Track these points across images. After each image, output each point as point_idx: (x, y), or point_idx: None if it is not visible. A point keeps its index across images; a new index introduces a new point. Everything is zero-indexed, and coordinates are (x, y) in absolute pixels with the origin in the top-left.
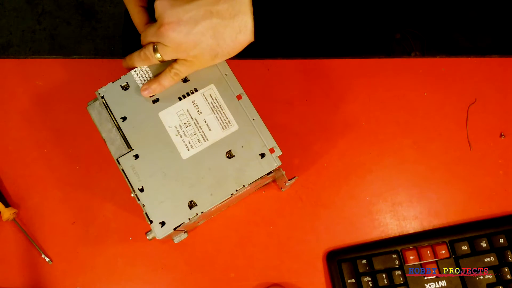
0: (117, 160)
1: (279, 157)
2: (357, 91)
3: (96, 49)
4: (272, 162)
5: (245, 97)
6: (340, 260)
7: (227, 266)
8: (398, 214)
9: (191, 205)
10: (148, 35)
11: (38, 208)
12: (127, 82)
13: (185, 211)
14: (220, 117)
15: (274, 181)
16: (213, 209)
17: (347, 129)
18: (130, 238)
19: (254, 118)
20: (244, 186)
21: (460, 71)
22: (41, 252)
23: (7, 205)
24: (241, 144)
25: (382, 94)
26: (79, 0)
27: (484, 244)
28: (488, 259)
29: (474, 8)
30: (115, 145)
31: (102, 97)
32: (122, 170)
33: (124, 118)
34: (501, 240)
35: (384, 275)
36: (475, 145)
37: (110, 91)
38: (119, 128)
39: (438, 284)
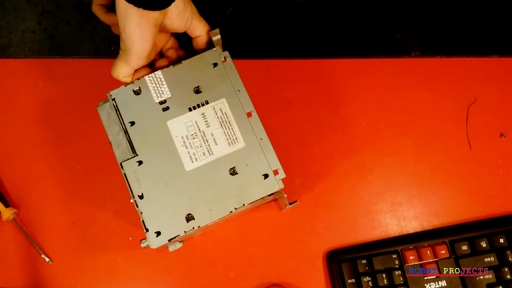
0: (120, 164)
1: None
2: (357, 91)
3: (96, 49)
4: (275, 184)
5: (255, 115)
6: (340, 260)
7: (227, 266)
8: (398, 214)
9: (189, 218)
10: None
11: (38, 208)
12: (139, 87)
13: (182, 223)
14: (227, 132)
15: (275, 200)
16: (210, 224)
17: (347, 129)
18: (130, 238)
19: (261, 138)
20: (244, 205)
21: (460, 71)
22: (41, 252)
23: (7, 205)
24: (245, 162)
25: (382, 94)
26: (79, 0)
27: (484, 244)
28: (488, 259)
29: (474, 8)
30: (120, 149)
31: (113, 99)
32: (124, 174)
33: (132, 123)
34: (501, 240)
35: (384, 275)
36: (475, 145)
37: (121, 94)
38: (126, 132)
39: (438, 284)
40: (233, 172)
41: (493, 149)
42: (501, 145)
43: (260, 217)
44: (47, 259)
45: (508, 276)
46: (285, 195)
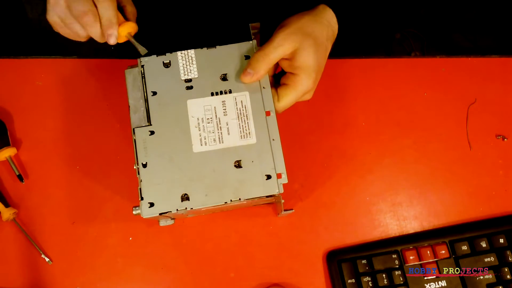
0: (133, 129)
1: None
2: (357, 91)
3: (96, 49)
4: (275, 187)
5: (273, 115)
6: (340, 260)
7: (227, 266)
8: (398, 214)
9: (184, 197)
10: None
11: (38, 208)
12: (170, 61)
13: (176, 201)
14: (242, 125)
15: (271, 204)
16: (203, 209)
17: (347, 129)
18: (130, 238)
19: (274, 139)
20: (240, 199)
21: (460, 71)
22: (41, 252)
23: (7, 205)
24: (252, 159)
25: (382, 94)
26: None
27: (484, 244)
28: (488, 259)
29: (474, 8)
30: (136, 115)
31: (142, 66)
32: (134, 140)
33: (154, 93)
34: (501, 240)
35: (384, 275)
36: (475, 145)
37: (151, 63)
38: (146, 100)
39: (438, 284)
40: (238, 165)
41: (493, 149)
42: (501, 145)
43: (260, 217)
44: (47, 259)
45: (508, 276)
46: (283, 201)
